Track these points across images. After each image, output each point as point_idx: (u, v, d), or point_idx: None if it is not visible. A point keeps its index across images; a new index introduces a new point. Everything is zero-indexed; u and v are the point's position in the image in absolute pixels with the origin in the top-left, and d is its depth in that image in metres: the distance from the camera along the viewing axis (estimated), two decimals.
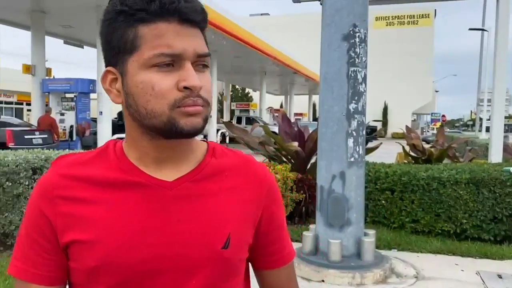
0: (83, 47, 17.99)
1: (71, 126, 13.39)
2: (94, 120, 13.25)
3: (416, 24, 44.04)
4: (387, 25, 44.64)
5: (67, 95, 13.64)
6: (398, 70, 43.02)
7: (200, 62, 0.74)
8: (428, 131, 44.22)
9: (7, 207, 4.39)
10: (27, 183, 4.43)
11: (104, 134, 12.45)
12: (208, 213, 0.78)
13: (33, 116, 13.47)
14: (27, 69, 13.40)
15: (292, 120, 31.96)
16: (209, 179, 0.81)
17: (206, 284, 0.77)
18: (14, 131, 10.86)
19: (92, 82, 13.26)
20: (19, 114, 34.27)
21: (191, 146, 0.81)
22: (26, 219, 0.78)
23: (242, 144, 6.69)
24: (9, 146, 10.18)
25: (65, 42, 17.36)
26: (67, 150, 7.32)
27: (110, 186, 0.76)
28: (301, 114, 38.06)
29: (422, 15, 43.85)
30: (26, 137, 11.00)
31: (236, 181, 0.83)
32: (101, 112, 12.59)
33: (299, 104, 39.09)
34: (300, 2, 4.73)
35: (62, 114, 13.57)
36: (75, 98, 13.38)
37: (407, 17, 44.30)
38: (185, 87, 0.71)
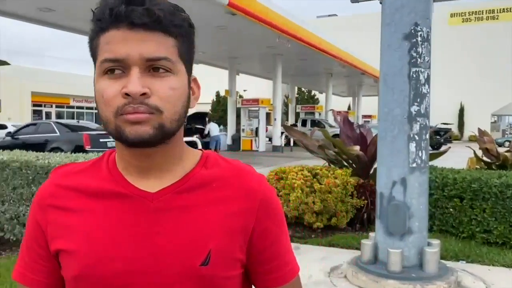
0: None
1: None
2: None
3: (496, 19, 41.12)
4: (463, 22, 42.14)
5: None
6: (476, 69, 40.43)
7: (155, 67, 0.70)
8: (511, 134, 41.01)
9: None
10: None
11: None
12: (189, 227, 0.75)
13: None
14: None
15: (361, 122, 31.00)
16: (194, 191, 0.77)
17: None
18: (91, 135, 11.61)
19: None
20: (99, 118, 36.75)
21: (174, 155, 0.78)
22: (26, 227, 0.82)
23: (302, 147, 6.62)
24: (86, 149, 10.90)
25: None
26: None
27: (96, 196, 0.77)
28: (370, 116, 36.99)
29: (503, 9, 40.89)
30: (101, 140, 11.71)
31: (224, 193, 0.78)
32: None
33: (368, 106, 38.04)
34: (358, 2, 4.59)
35: None
36: None
37: (486, 12, 41.52)
38: (127, 94, 0.68)
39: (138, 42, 0.69)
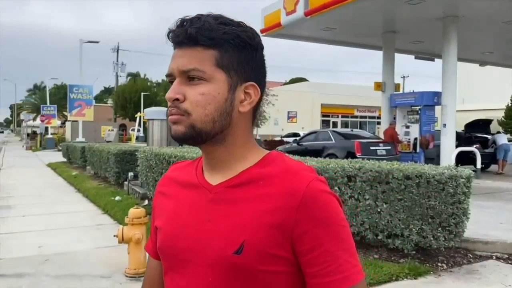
0: (433, 60, 18.01)
1: (415, 139, 13.67)
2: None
3: None
4: None
5: (413, 108, 14.01)
6: None
7: (190, 76, 0.83)
8: None
9: None
10: (343, 188, 4.97)
11: (447, 147, 12.10)
12: (231, 218, 0.83)
13: (382, 129, 14.57)
14: (378, 86, 14.66)
15: None
16: (242, 187, 0.85)
17: (221, 285, 0.81)
18: (362, 143, 12.13)
19: (437, 94, 13.10)
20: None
21: (235, 154, 0.87)
22: None
23: None
24: (357, 155, 11.44)
25: (416, 57, 17.89)
26: (409, 162, 7.28)
27: (183, 185, 0.94)
28: None
29: None
30: (371, 148, 12.08)
31: (268, 190, 0.83)
32: (444, 125, 12.30)
33: None
34: None
35: (407, 127, 14.04)
36: (419, 111, 13.59)
37: None
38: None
39: (178, 58, 0.85)
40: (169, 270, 0.90)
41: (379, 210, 4.79)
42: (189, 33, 0.82)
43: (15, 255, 5.11)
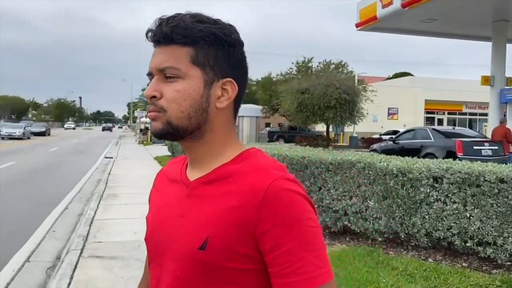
0: None
1: None
2: None
3: None
4: None
5: None
6: None
7: (166, 74, 0.84)
8: None
9: (411, 211, 4.82)
10: (428, 190, 4.68)
11: None
12: (199, 214, 0.84)
13: (490, 127, 13.35)
14: (486, 80, 13.46)
15: None
16: (213, 183, 0.86)
17: (188, 279, 0.83)
18: (464, 142, 11.21)
19: None
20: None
21: (212, 151, 0.88)
22: None
23: None
24: (458, 156, 10.63)
25: None
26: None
27: (170, 180, 0.97)
28: None
29: None
30: (475, 148, 11.12)
31: (234, 187, 0.82)
32: None
33: None
34: None
35: None
36: None
37: None
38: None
39: (156, 56, 0.86)
40: (151, 261, 0.94)
41: (468, 215, 4.43)
42: (165, 32, 0.84)
43: (113, 239, 5.66)
